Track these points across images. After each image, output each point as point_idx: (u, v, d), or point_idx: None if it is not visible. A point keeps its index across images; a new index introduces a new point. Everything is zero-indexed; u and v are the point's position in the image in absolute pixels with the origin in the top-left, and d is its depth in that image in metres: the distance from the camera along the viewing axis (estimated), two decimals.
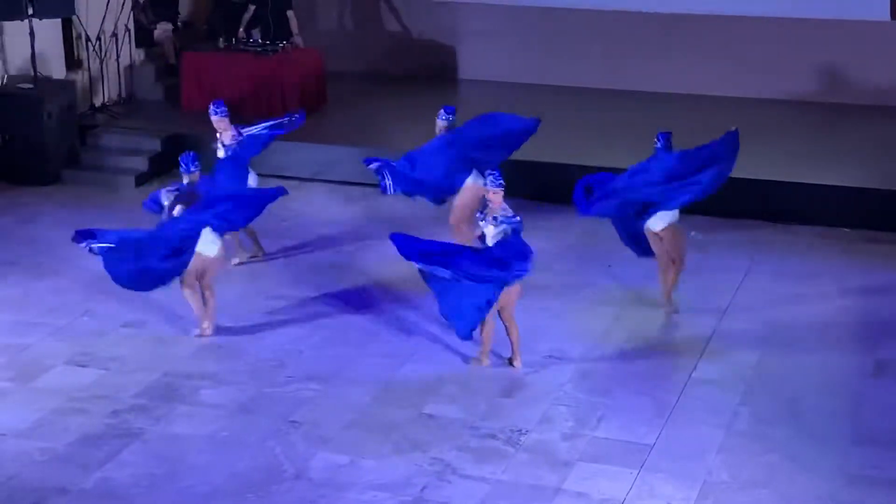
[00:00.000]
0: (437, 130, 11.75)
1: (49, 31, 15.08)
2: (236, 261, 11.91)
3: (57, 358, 10.11)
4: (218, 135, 11.84)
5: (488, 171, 9.76)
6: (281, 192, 10.81)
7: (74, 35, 15.69)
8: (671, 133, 10.65)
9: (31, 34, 14.42)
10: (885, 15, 15.52)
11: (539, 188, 12.93)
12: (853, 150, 14.09)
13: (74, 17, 15.37)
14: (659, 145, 10.58)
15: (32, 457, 8.65)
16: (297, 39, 16.12)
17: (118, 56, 15.96)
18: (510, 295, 9.61)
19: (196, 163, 10.38)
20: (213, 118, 11.83)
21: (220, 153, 11.79)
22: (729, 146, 10.59)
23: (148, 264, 10.05)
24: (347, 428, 9.02)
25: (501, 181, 9.63)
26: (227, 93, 14.68)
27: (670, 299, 10.77)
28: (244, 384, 9.68)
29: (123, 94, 16.22)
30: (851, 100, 15.90)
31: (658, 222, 10.51)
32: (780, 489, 8.22)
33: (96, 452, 8.70)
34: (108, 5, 15.48)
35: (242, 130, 11.86)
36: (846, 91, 15.94)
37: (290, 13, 16.16)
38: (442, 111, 11.81)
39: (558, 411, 9.26)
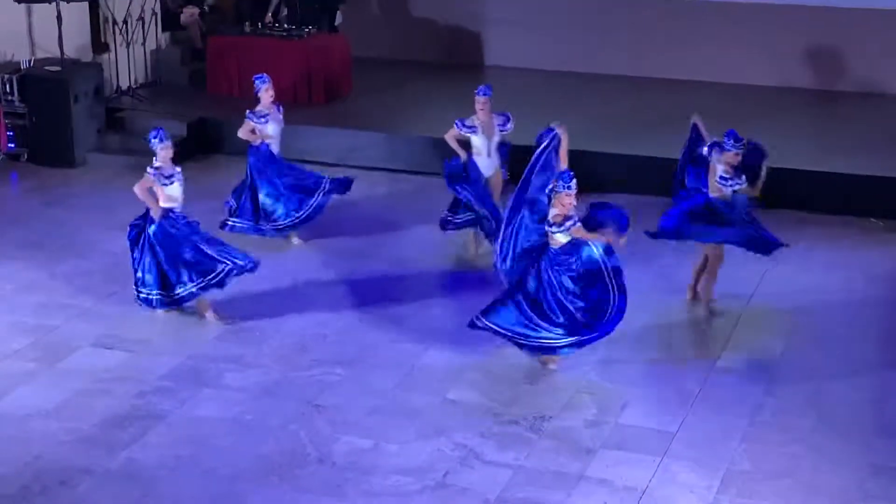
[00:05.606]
0: (479, 107, 11.29)
1: (76, 14, 15.14)
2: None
3: (83, 339, 10.16)
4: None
5: (559, 172, 9.39)
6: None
7: (101, 18, 15.76)
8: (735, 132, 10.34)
9: (59, 17, 14.49)
10: None
11: None
12: (881, 140, 14.03)
13: (101, 1, 15.44)
14: (728, 145, 10.22)
15: (58, 437, 8.69)
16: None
17: (144, 40, 16.02)
18: None
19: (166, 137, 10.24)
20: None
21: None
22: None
23: None
24: (371, 412, 9.04)
25: (569, 184, 9.24)
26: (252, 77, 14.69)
27: (707, 300, 10.70)
28: (268, 368, 9.72)
29: (150, 78, 16.29)
30: (882, 89, 15.83)
31: None
32: (802, 479, 8.20)
33: (121, 434, 8.74)
34: None
35: None
36: (875, 80, 15.87)
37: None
38: (481, 88, 11.38)
39: (582, 399, 9.25)
